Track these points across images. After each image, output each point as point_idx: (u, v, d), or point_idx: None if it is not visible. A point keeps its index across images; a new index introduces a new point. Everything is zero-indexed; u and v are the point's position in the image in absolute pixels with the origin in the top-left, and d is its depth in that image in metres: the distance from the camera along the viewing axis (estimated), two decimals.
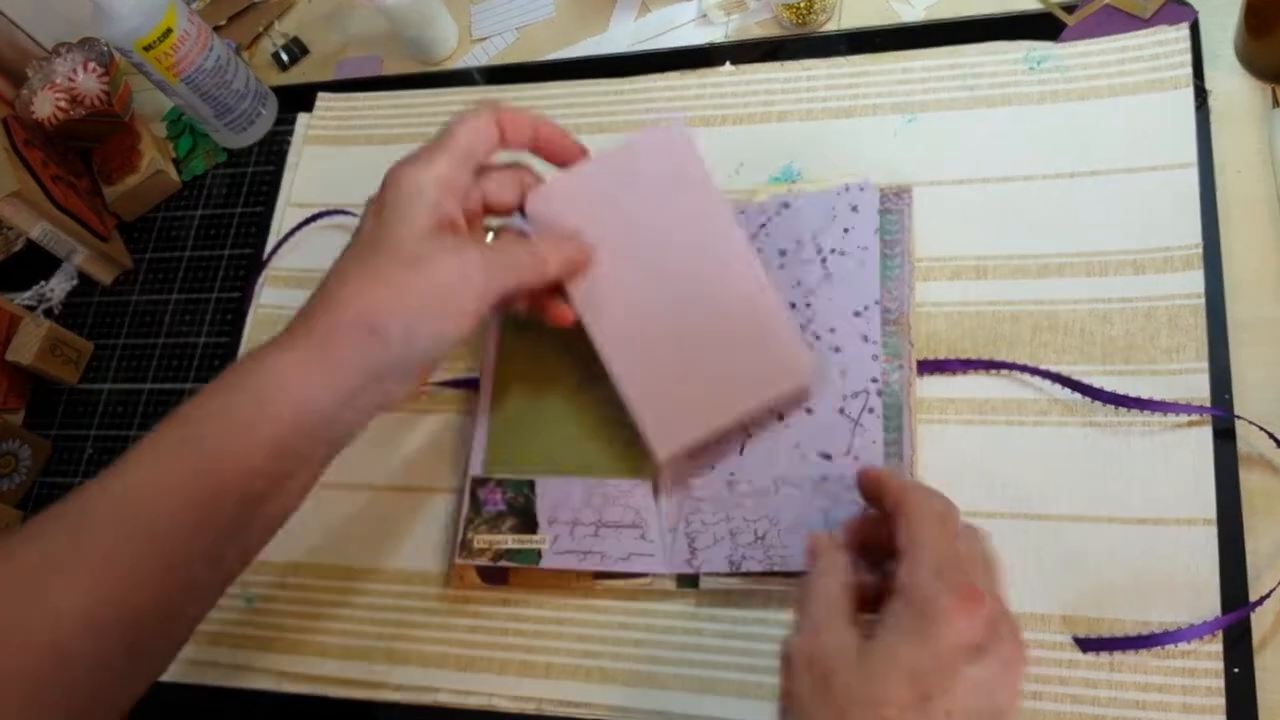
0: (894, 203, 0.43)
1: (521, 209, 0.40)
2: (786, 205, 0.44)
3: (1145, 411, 0.38)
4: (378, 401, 0.35)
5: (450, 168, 0.36)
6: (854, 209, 0.42)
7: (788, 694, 0.30)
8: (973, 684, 0.27)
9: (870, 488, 0.35)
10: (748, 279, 0.39)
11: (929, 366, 0.41)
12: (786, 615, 0.39)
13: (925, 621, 0.28)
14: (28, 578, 0.31)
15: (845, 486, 0.38)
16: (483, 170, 0.38)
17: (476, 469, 0.44)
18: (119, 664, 0.32)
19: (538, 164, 0.41)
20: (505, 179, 0.39)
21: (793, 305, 0.42)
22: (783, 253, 0.43)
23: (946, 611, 0.28)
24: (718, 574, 0.39)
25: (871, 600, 0.32)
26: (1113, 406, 0.38)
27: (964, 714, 0.27)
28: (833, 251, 0.42)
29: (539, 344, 0.45)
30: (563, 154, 0.40)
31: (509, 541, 0.42)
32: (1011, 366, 0.40)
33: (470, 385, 0.47)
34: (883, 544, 0.32)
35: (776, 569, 0.38)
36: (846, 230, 0.42)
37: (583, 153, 0.40)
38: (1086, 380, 0.39)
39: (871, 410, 0.39)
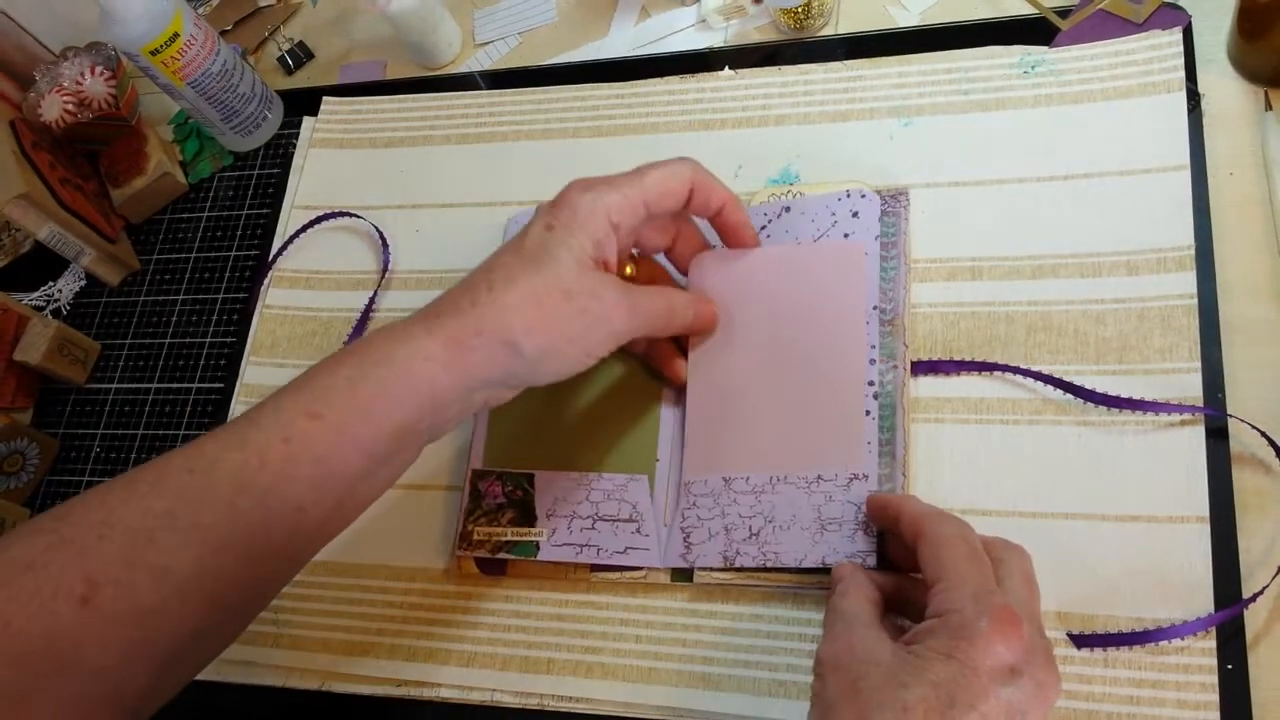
0: (891, 205, 0.44)
1: (669, 253, 0.42)
2: (788, 209, 0.44)
3: (1139, 411, 0.38)
4: (489, 401, 0.36)
5: (628, 206, 0.37)
6: (855, 215, 0.43)
7: (817, 696, 0.30)
8: (1005, 704, 0.28)
9: (881, 513, 0.36)
10: (850, 374, 0.40)
11: (924, 367, 0.42)
12: (784, 611, 0.40)
13: (962, 644, 0.28)
14: (140, 534, 0.30)
15: (839, 486, 0.38)
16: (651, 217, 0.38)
17: (477, 462, 0.44)
18: (210, 623, 0.32)
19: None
20: (662, 224, 0.41)
21: None
22: None
23: (985, 635, 0.28)
24: (711, 569, 0.39)
25: (895, 607, 0.33)
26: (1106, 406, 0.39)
27: None
28: None
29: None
30: (737, 239, 0.42)
31: (508, 534, 0.42)
32: (1005, 369, 0.41)
33: None
34: (902, 566, 0.33)
35: (770, 565, 0.38)
36: (846, 235, 0.43)
37: (756, 244, 0.42)
38: (1080, 380, 0.39)
39: (868, 413, 0.39)
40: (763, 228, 0.44)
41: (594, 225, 0.36)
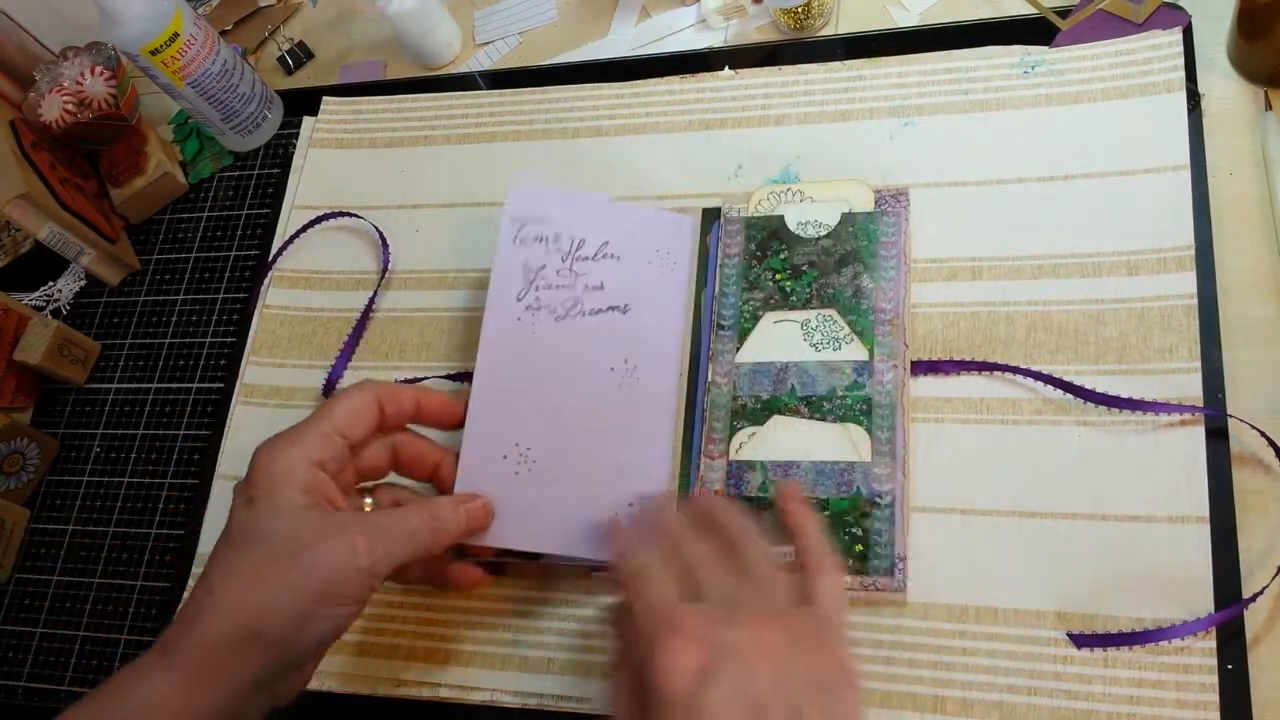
0: (891, 205, 0.44)
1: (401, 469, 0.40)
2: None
3: (1139, 411, 0.38)
4: (266, 706, 0.34)
5: (321, 446, 0.35)
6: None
7: None
8: (725, 704, 0.27)
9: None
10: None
11: (923, 367, 0.42)
12: None
13: (650, 693, 0.28)
14: None
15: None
16: (357, 446, 0.37)
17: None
18: None
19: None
20: (377, 447, 0.38)
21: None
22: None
23: (653, 666, 0.28)
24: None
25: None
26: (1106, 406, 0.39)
27: None
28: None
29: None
30: (448, 419, 0.41)
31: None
32: (1005, 369, 0.41)
33: (465, 379, 0.47)
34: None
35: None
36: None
37: (459, 415, 0.41)
38: (1080, 380, 0.40)
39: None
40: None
41: (296, 475, 0.34)
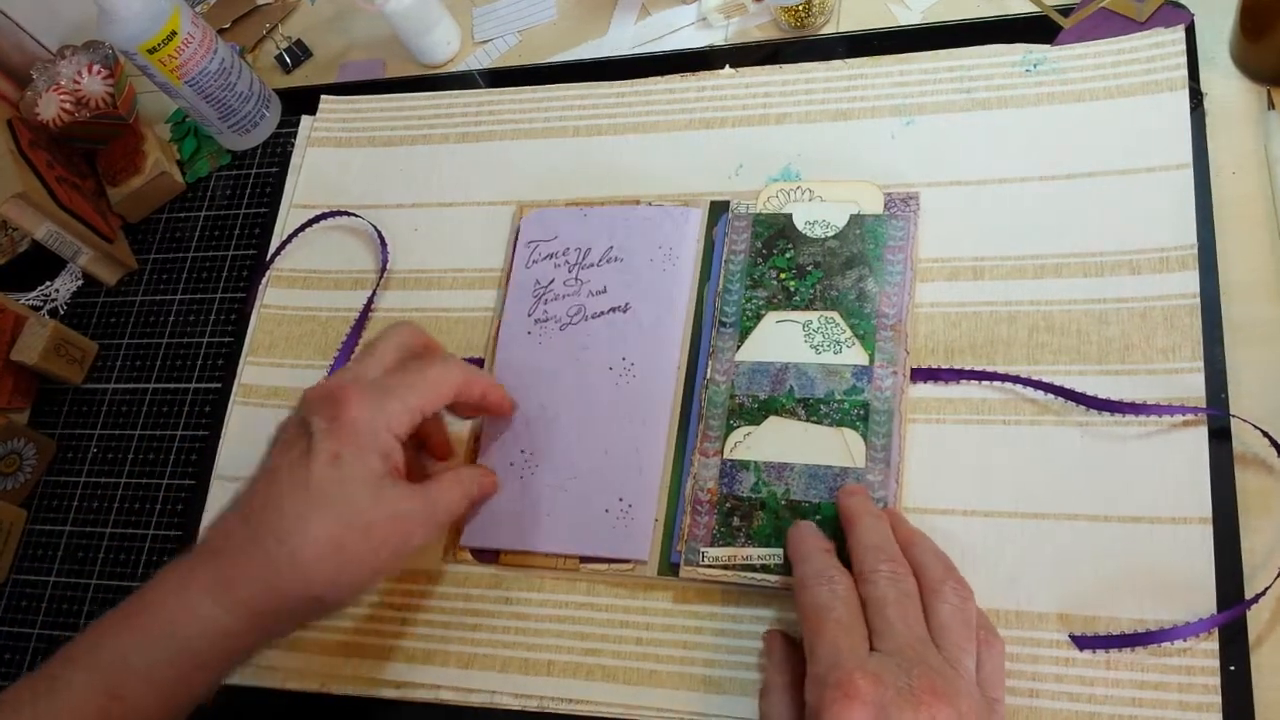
0: (900, 208, 0.44)
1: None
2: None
3: (1142, 414, 0.38)
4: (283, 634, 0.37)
5: (406, 416, 0.37)
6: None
7: None
8: None
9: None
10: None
11: (923, 375, 0.42)
12: (785, 613, 0.39)
13: None
14: None
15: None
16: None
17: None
18: None
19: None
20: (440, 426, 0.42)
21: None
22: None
23: (825, 716, 0.28)
24: (697, 564, 0.40)
25: None
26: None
27: None
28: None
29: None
30: (499, 410, 0.43)
31: None
32: (1004, 378, 0.40)
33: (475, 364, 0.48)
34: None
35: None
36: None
37: (513, 408, 0.44)
38: (1083, 380, 0.39)
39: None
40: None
41: (380, 441, 0.36)
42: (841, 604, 0.32)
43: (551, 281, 0.47)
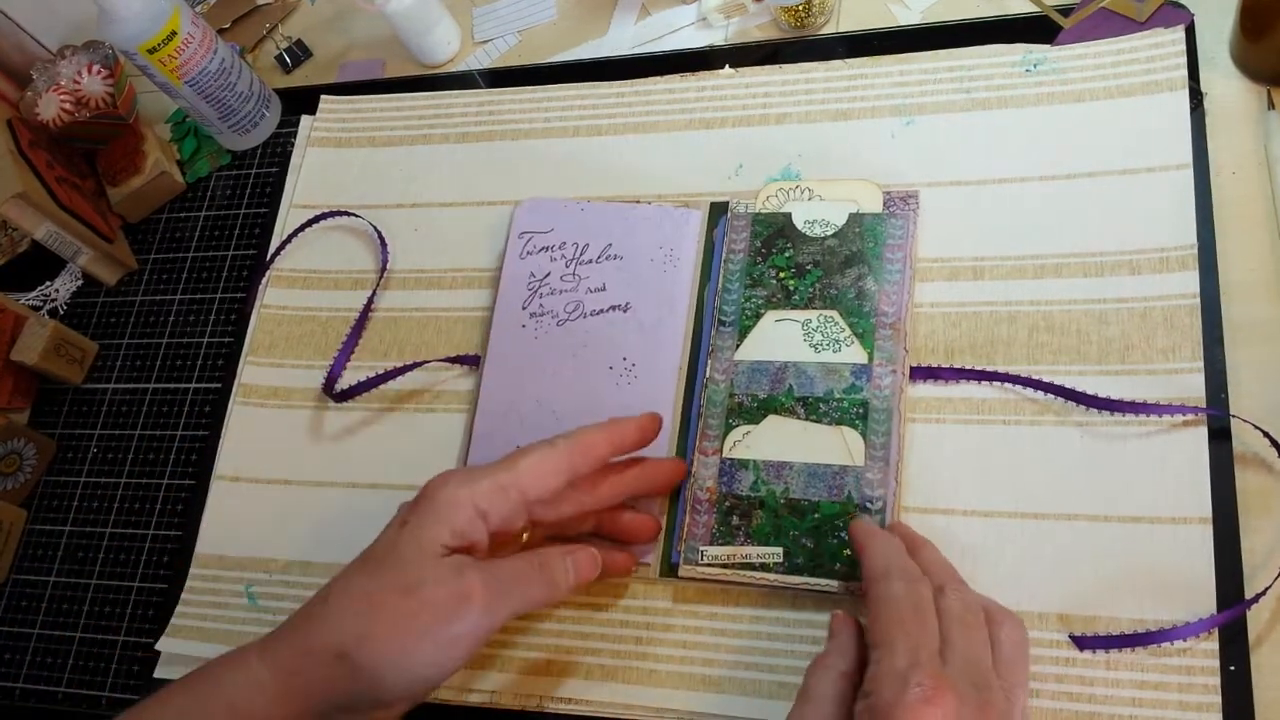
0: (899, 207, 0.44)
1: None
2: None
3: (1142, 414, 0.38)
4: None
5: (498, 492, 0.34)
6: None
7: None
8: None
9: (857, 551, 0.36)
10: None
11: (922, 373, 0.42)
12: (785, 613, 0.39)
13: None
14: None
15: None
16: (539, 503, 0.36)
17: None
18: None
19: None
20: (567, 506, 0.37)
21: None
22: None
23: (900, 712, 0.28)
24: (697, 563, 0.39)
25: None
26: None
27: None
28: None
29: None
30: (642, 438, 0.38)
31: None
32: (1004, 378, 0.40)
33: (471, 362, 0.47)
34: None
35: None
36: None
37: (657, 419, 0.39)
38: (1083, 380, 0.39)
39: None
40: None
41: (454, 515, 0.34)
42: (925, 606, 0.32)
43: (548, 275, 0.46)
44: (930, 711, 0.28)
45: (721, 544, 0.39)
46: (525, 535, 0.37)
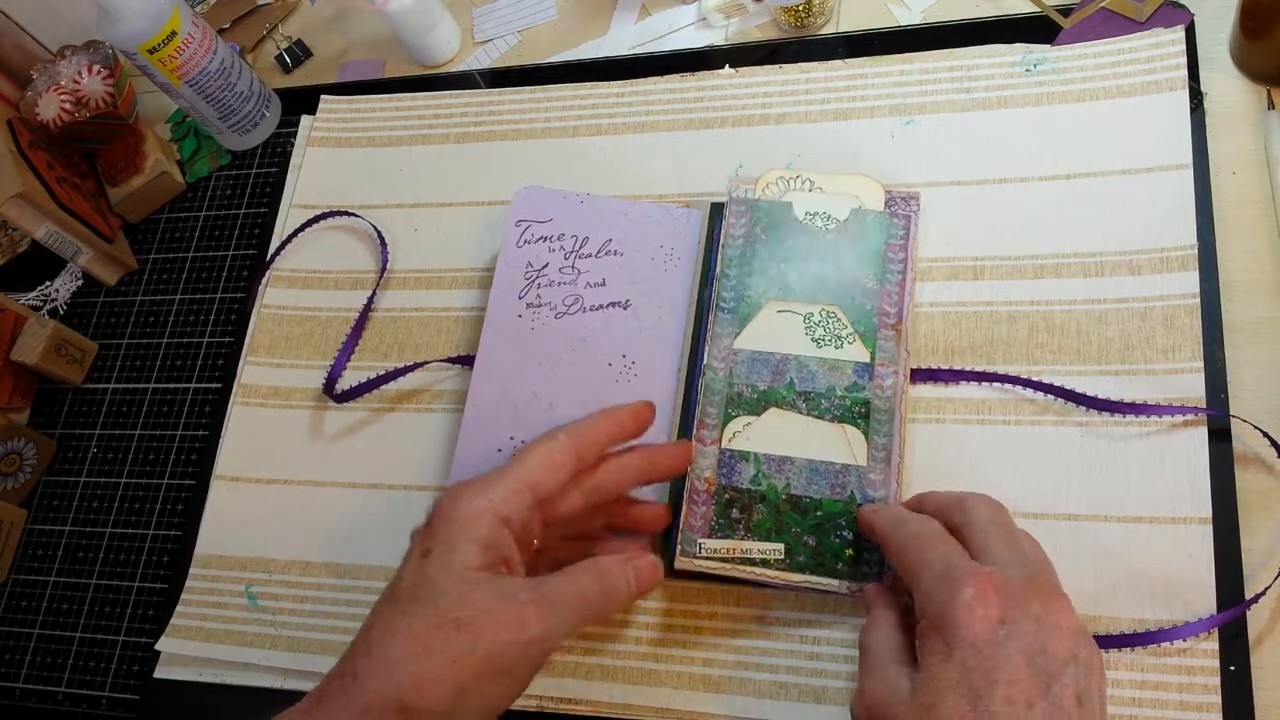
0: (900, 208, 0.44)
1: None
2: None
3: (1142, 415, 0.38)
4: None
5: (513, 495, 0.33)
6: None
7: None
8: (1017, 658, 0.28)
9: (868, 533, 0.36)
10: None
11: (922, 375, 0.41)
12: (785, 612, 0.39)
13: (948, 631, 0.28)
14: None
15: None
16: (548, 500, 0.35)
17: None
18: None
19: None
20: (575, 496, 0.36)
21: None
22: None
23: (961, 609, 0.28)
24: (694, 556, 0.39)
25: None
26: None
27: (1025, 690, 0.27)
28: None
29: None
30: (638, 425, 0.38)
31: None
32: (1003, 379, 0.40)
33: (471, 362, 0.47)
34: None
35: None
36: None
37: (650, 407, 0.38)
38: (1083, 380, 0.39)
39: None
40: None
41: (478, 529, 0.32)
42: (946, 533, 0.32)
43: (546, 266, 0.46)
44: (981, 589, 0.28)
45: (721, 537, 0.39)
46: (536, 541, 0.36)
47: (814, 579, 0.38)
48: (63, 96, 0.58)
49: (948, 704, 0.27)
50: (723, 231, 0.45)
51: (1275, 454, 0.37)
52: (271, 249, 0.55)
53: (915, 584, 0.31)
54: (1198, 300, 0.39)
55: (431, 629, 0.30)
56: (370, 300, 0.51)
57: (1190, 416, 0.38)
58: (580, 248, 0.46)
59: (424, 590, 0.31)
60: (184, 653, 0.45)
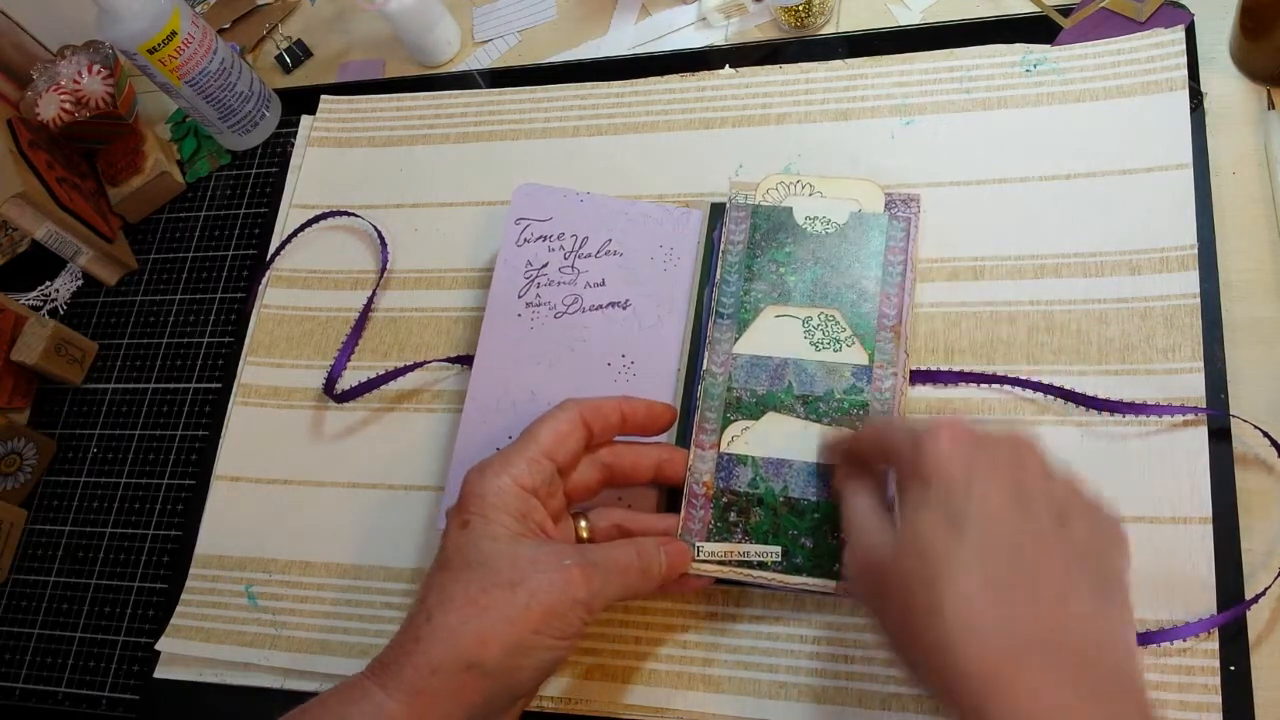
0: (901, 209, 0.44)
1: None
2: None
3: (1142, 415, 0.38)
4: None
5: (530, 471, 0.35)
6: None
7: (871, 611, 0.31)
8: (991, 487, 0.29)
9: (853, 459, 0.37)
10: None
11: (921, 377, 0.41)
12: (785, 612, 0.39)
13: (923, 470, 0.30)
14: None
15: None
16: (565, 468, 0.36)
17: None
18: None
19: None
20: (585, 466, 0.37)
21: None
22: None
23: (931, 450, 0.30)
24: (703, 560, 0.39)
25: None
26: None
27: (999, 520, 0.28)
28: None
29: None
30: (654, 424, 0.39)
31: None
32: (1003, 380, 0.40)
33: (465, 362, 0.48)
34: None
35: None
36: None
37: (671, 411, 0.39)
38: (1083, 380, 0.39)
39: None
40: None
41: (509, 500, 0.34)
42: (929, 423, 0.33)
43: (545, 265, 0.46)
44: (949, 430, 0.30)
45: (719, 540, 0.39)
46: (583, 522, 0.38)
47: (812, 580, 0.38)
48: (63, 96, 0.58)
49: (927, 525, 0.29)
50: (722, 237, 0.45)
51: (1275, 454, 0.37)
52: (271, 249, 0.55)
53: (891, 450, 0.32)
54: (1198, 300, 0.39)
55: (487, 589, 0.32)
56: (370, 300, 0.51)
57: (1190, 416, 0.38)
58: (580, 247, 0.46)
59: (473, 555, 0.33)
60: (184, 653, 0.45)
